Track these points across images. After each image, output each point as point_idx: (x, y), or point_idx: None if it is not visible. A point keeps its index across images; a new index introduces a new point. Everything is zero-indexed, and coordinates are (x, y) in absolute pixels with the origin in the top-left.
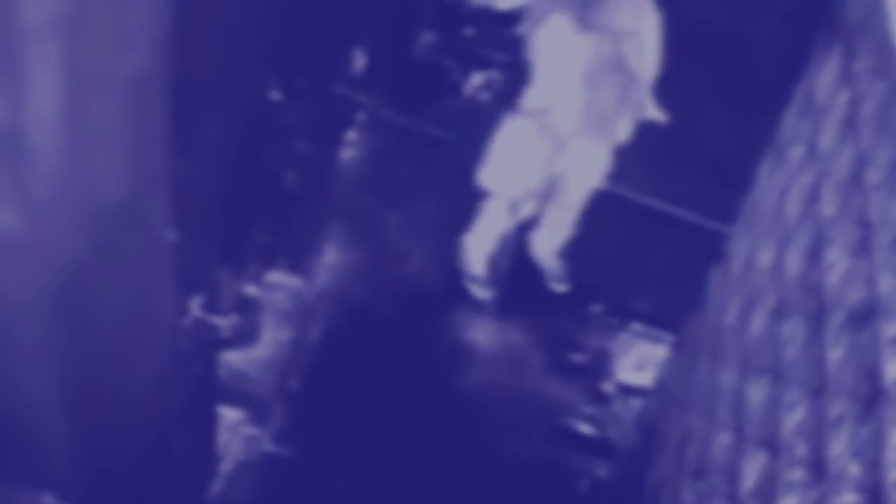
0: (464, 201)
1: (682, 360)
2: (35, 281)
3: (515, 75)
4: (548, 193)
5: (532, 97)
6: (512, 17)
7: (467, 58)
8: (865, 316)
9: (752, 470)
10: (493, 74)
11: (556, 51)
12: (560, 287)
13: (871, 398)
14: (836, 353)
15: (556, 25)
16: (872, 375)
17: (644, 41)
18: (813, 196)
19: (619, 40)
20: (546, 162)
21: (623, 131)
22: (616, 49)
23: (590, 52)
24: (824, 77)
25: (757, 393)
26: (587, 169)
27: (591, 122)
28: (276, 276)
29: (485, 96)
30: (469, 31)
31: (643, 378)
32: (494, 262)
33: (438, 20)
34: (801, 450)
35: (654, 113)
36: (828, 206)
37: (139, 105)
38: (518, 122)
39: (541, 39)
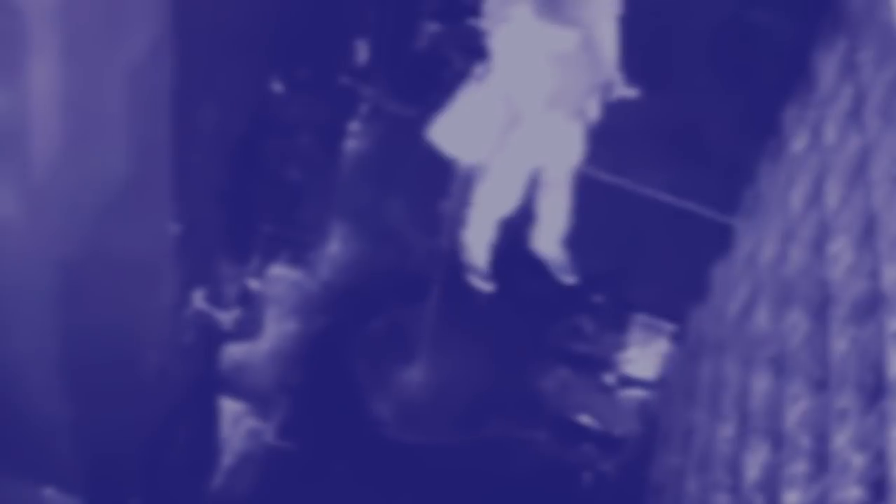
0: (468, 193)
1: (686, 351)
2: (36, 271)
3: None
4: (533, 182)
5: (500, 84)
6: None
7: (470, 48)
8: (869, 308)
9: (756, 462)
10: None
11: (521, 39)
12: (567, 278)
13: (875, 390)
14: (840, 346)
15: (520, 15)
16: (876, 368)
17: (607, 22)
18: (817, 188)
19: (583, 24)
20: (520, 147)
21: (593, 111)
22: (581, 33)
23: (554, 37)
24: (828, 68)
25: (761, 385)
26: (564, 150)
27: (560, 103)
28: (279, 269)
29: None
30: (472, 22)
31: (647, 370)
32: (495, 254)
33: (441, 11)
34: (805, 442)
35: (625, 91)
36: (832, 198)
37: (141, 96)
38: (488, 106)
39: (505, 30)
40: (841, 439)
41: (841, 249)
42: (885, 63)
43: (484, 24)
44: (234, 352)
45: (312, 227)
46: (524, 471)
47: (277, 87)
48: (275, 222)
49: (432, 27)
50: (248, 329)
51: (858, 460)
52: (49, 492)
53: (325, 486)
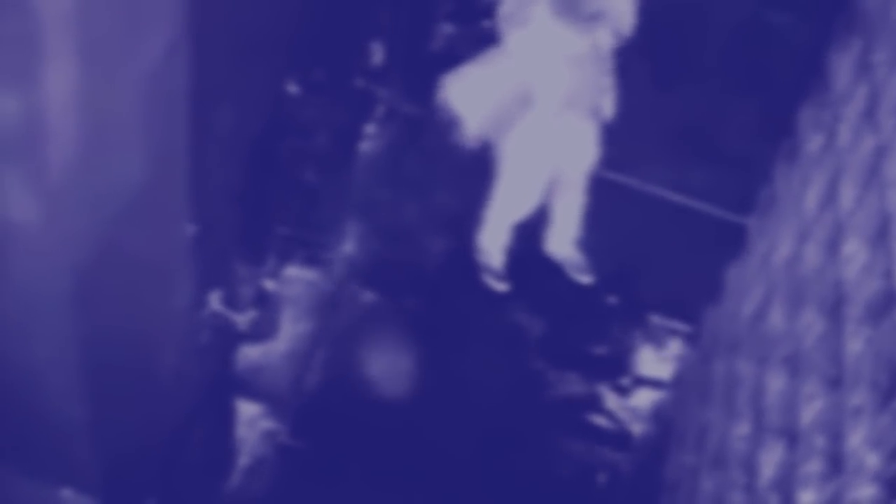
0: (482, 194)
1: (701, 351)
2: (54, 275)
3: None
4: (549, 183)
5: (516, 82)
6: None
7: (486, 50)
8: (884, 308)
9: (771, 461)
10: None
11: (539, 39)
12: (583, 278)
13: (889, 390)
14: (854, 345)
15: (539, 15)
16: (891, 367)
17: (620, 20)
18: (831, 188)
19: (597, 22)
20: (536, 148)
21: (608, 110)
22: (595, 31)
23: (571, 36)
24: (843, 69)
25: (775, 384)
26: (579, 151)
27: (575, 103)
28: (295, 270)
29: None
30: (487, 23)
31: (662, 370)
32: (510, 255)
33: (456, 12)
34: (820, 441)
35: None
36: (846, 199)
37: (157, 98)
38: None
39: (523, 31)
40: (855, 438)
41: (855, 250)
42: None
43: (502, 26)
44: (250, 353)
45: (328, 228)
46: (538, 470)
47: (293, 88)
48: (290, 223)
49: (447, 28)
50: (263, 330)
51: (873, 459)
52: (66, 493)
53: (341, 487)
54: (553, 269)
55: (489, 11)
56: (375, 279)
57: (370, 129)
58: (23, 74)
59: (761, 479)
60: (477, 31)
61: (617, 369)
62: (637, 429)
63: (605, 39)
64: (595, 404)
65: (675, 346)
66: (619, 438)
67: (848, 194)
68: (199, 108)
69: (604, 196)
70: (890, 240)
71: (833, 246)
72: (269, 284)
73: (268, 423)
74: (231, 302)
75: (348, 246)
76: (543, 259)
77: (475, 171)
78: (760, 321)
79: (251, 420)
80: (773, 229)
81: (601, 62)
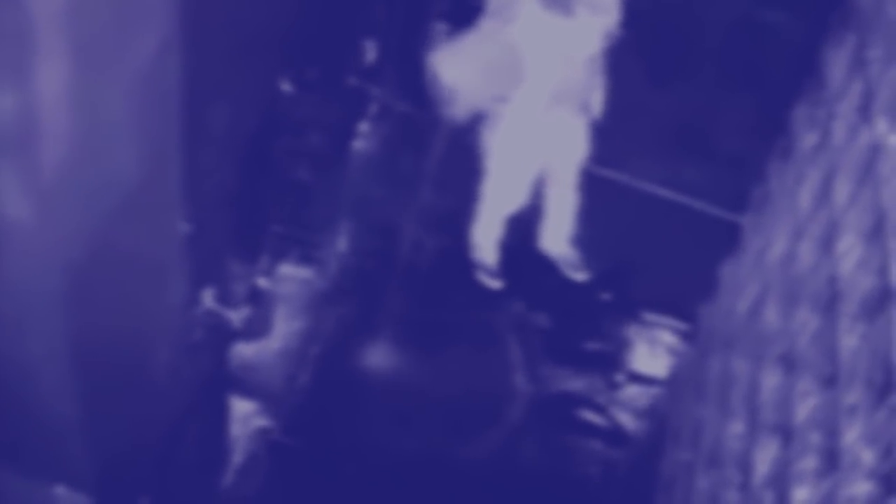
0: (475, 190)
1: (695, 348)
2: (47, 272)
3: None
4: (540, 179)
5: (505, 76)
6: None
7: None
8: (878, 305)
9: (765, 458)
10: None
11: (528, 32)
12: (577, 275)
13: (884, 386)
14: (849, 342)
15: (527, 12)
16: (886, 364)
17: (610, 15)
18: (826, 185)
19: (588, 16)
20: (528, 143)
21: (598, 106)
22: (585, 25)
23: (560, 30)
24: (837, 65)
25: (770, 381)
26: (570, 146)
27: (566, 98)
28: (288, 268)
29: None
30: (481, 21)
31: (656, 367)
32: (504, 252)
33: (450, 11)
34: (815, 438)
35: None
36: (841, 195)
37: (150, 96)
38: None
39: (512, 23)
40: (851, 435)
41: (850, 246)
42: (893, 60)
43: (491, 24)
44: (244, 350)
45: (322, 226)
46: (533, 467)
47: (287, 87)
48: (284, 221)
49: (441, 27)
50: (257, 328)
51: (868, 456)
52: (60, 490)
53: (334, 485)
54: (547, 267)
55: (483, 9)
56: (369, 277)
57: (364, 127)
58: (16, 72)
59: (756, 476)
60: (471, 29)
61: (612, 366)
62: (632, 425)
63: (595, 35)
64: (590, 401)
65: (669, 343)
66: (614, 435)
67: (842, 191)
68: (192, 107)
69: (598, 193)
70: (884, 236)
71: (827, 243)
72: (263, 282)
73: (261, 421)
74: (225, 300)
75: (342, 244)
76: (537, 256)
77: (468, 167)
78: (755, 318)
79: (245, 418)
80: (768, 226)
81: (592, 58)
